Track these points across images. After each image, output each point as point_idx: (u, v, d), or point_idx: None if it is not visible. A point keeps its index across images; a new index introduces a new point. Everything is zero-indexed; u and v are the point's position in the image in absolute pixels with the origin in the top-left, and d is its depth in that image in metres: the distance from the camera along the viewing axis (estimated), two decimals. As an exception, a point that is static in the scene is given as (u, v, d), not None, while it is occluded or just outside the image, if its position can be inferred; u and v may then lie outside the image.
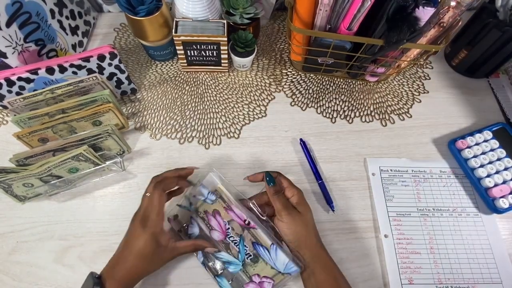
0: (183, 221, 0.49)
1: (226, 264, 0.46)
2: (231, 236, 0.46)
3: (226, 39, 0.56)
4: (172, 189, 0.49)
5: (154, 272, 0.44)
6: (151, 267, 0.43)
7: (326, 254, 0.44)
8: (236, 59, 0.61)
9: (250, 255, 0.45)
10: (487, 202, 0.53)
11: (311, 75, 0.66)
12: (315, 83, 0.65)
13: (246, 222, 0.45)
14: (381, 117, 0.62)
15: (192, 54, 0.60)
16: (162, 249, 0.42)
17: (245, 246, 0.45)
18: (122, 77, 0.57)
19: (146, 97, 0.62)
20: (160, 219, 0.43)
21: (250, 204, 0.47)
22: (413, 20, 0.46)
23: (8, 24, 0.49)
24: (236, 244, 0.46)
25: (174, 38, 0.56)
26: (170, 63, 0.66)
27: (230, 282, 0.45)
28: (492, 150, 0.57)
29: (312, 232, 0.45)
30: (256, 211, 0.46)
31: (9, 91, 0.50)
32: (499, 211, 0.52)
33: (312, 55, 0.58)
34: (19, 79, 0.49)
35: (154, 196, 0.43)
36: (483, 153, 0.56)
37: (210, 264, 0.47)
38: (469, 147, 0.57)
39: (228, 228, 0.46)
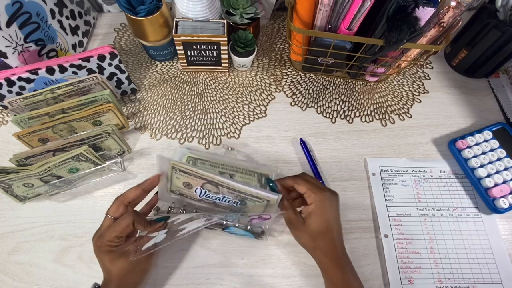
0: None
1: (224, 220, 0.47)
2: (212, 196, 0.46)
3: (226, 39, 0.56)
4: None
5: (154, 272, 0.44)
6: (138, 275, 0.43)
7: (336, 269, 0.41)
8: (236, 59, 0.61)
9: (237, 202, 0.46)
10: (487, 202, 0.53)
11: (311, 75, 0.66)
12: (315, 83, 0.65)
13: (214, 183, 0.45)
14: (381, 117, 0.62)
15: (192, 54, 0.60)
16: (134, 261, 0.40)
17: (227, 197, 0.46)
18: (122, 77, 0.57)
19: (146, 97, 0.62)
20: (118, 238, 0.40)
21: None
22: (413, 20, 0.46)
23: (8, 24, 0.49)
24: (219, 200, 0.46)
25: (174, 38, 0.56)
26: (170, 63, 0.66)
27: (237, 226, 0.48)
28: (492, 150, 0.57)
29: (322, 241, 0.42)
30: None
31: (9, 91, 0.50)
32: (499, 211, 0.52)
33: (312, 55, 0.58)
34: (19, 79, 0.49)
35: (120, 221, 0.40)
36: (483, 153, 0.56)
37: (213, 223, 0.46)
38: (469, 147, 0.57)
39: (206, 192, 0.46)
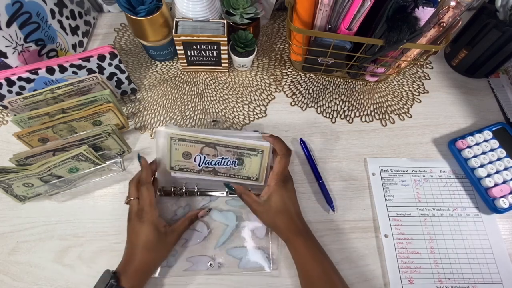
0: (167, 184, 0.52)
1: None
2: (211, 161, 0.48)
3: (226, 39, 0.56)
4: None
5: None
6: (159, 256, 0.46)
7: (297, 240, 0.45)
8: (236, 59, 0.61)
9: (235, 161, 0.48)
10: (487, 202, 0.53)
11: (311, 75, 0.66)
12: (315, 83, 0.65)
13: (212, 145, 0.47)
14: (381, 117, 0.62)
15: (192, 54, 0.60)
16: (163, 236, 0.45)
17: (225, 158, 0.48)
18: (122, 77, 0.57)
19: (146, 97, 0.62)
20: (153, 209, 0.45)
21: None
22: (413, 20, 0.46)
23: (9, 24, 0.49)
24: (218, 163, 0.48)
25: (174, 38, 0.56)
26: (170, 63, 0.66)
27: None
28: (492, 150, 0.57)
29: (281, 219, 0.46)
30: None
31: (9, 91, 0.50)
32: (499, 211, 0.52)
33: (312, 55, 0.58)
34: (19, 79, 0.49)
35: (143, 191, 0.45)
36: (483, 153, 0.56)
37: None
38: (469, 147, 0.57)
39: (204, 157, 0.48)
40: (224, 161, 0.48)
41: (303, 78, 0.66)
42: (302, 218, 0.47)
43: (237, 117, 0.61)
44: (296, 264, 0.45)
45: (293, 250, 0.45)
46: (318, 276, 0.43)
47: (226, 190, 0.51)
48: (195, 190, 0.52)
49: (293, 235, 0.45)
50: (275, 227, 0.46)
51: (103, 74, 0.54)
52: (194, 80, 0.65)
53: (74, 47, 0.64)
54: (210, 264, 0.48)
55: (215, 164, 0.48)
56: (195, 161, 0.48)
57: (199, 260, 0.49)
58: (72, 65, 0.51)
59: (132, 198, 0.46)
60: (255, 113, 0.61)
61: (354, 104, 0.63)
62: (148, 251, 0.43)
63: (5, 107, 0.50)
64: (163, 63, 0.66)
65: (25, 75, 0.49)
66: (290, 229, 0.45)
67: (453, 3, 0.46)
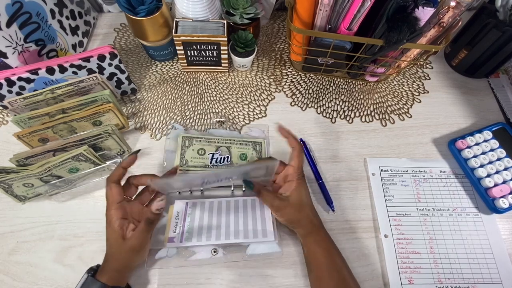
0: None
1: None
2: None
3: (226, 39, 0.56)
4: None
5: (153, 271, 0.44)
6: (127, 257, 0.43)
7: (319, 232, 0.46)
8: (236, 59, 0.61)
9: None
10: (487, 202, 0.53)
11: (311, 75, 0.66)
12: (315, 83, 0.65)
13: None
14: (381, 117, 0.62)
15: (192, 54, 0.60)
16: (122, 240, 0.42)
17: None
18: (122, 77, 0.57)
19: (146, 97, 0.62)
20: (111, 210, 0.42)
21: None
22: (413, 20, 0.46)
23: (9, 24, 0.49)
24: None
25: (174, 38, 0.56)
26: (170, 63, 0.66)
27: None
28: (492, 150, 0.57)
29: (305, 212, 0.47)
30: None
31: (9, 91, 0.50)
32: (499, 211, 0.52)
33: (312, 55, 0.58)
34: (19, 79, 0.49)
35: (106, 190, 0.43)
36: (483, 153, 0.56)
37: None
38: (469, 147, 0.57)
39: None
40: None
41: (303, 78, 0.66)
42: (317, 213, 0.49)
43: (237, 117, 0.61)
44: (314, 258, 0.45)
45: (314, 244, 0.45)
46: (340, 268, 0.44)
47: (232, 189, 0.51)
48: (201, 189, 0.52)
49: (317, 228, 0.46)
50: (298, 222, 0.46)
51: (103, 74, 0.54)
52: (194, 80, 0.65)
53: (74, 47, 0.64)
54: (214, 251, 0.48)
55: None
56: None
57: (201, 249, 0.48)
58: (72, 65, 0.51)
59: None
60: (255, 113, 0.61)
61: (354, 104, 0.63)
62: (116, 253, 0.42)
63: (5, 107, 0.50)
64: (163, 63, 0.66)
65: (25, 75, 0.49)
66: (313, 223, 0.46)
67: (453, 3, 0.46)
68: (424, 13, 0.46)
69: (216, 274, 0.48)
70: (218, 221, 0.50)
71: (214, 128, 0.59)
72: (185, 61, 0.62)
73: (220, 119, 0.59)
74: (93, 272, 0.42)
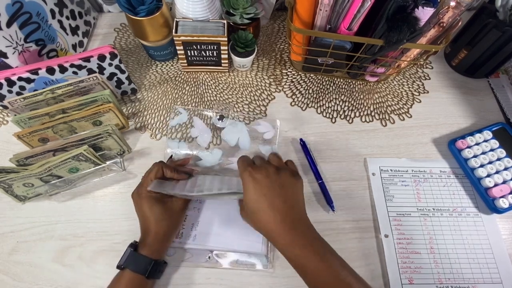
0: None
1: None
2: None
3: (226, 39, 0.56)
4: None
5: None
6: (171, 223, 0.46)
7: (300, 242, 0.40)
8: (236, 59, 0.61)
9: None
10: (487, 202, 0.53)
11: (311, 75, 0.66)
12: (315, 83, 0.65)
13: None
14: (381, 117, 0.62)
15: (192, 54, 0.60)
16: (168, 204, 0.46)
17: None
18: (123, 77, 0.57)
19: (146, 97, 0.62)
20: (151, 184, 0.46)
21: None
22: (413, 20, 0.46)
23: (9, 24, 0.49)
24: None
25: (174, 38, 0.56)
26: (170, 63, 0.66)
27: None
28: (492, 150, 0.57)
29: (258, 218, 0.41)
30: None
31: (10, 91, 0.50)
32: (499, 211, 0.52)
33: (312, 55, 0.58)
34: (20, 79, 0.49)
35: (151, 168, 0.48)
36: (483, 153, 0.56)
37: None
38: (469, 147, 0.57)
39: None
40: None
41: (303, 78, 0.66)
42: (293, 213, 0.42)
43: (237, 117, 0.61)
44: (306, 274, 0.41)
45: (298, 258, 0.41)
46: (342, 276, 0.40)
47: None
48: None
49: (281, 232, 0.40)
50: (264, 231, 0.42)
51: (103, 74, 0.54)
52: (194, 80, 0.65)
53: (74, 47, 0.64)
54: (209, 257, 0.49)
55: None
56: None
57: (198, 253, 0.49)
58: (72, 65, 0.51)
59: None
60: (255, 113, 0.61)
61: (354, 104, 0.63)
62: (157, 222, 0.44)
63: (5, 107, 0.50)
64: (163, 63, 0.66)
65: (25, 75, 0.49)
66: (287, 230, 0.41)
67: (453, 3, 0.46)
68: (424, 13, 0.45)
69: (216, 274, 0.48)
70: (214, 227, 0.51)
71: (216, 121, 0.59)
72: (185, 61, 0.62)
73: (222, 114, 0.59)
74: (134, 248, 0.43)
